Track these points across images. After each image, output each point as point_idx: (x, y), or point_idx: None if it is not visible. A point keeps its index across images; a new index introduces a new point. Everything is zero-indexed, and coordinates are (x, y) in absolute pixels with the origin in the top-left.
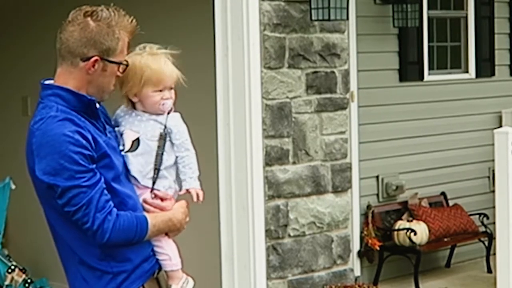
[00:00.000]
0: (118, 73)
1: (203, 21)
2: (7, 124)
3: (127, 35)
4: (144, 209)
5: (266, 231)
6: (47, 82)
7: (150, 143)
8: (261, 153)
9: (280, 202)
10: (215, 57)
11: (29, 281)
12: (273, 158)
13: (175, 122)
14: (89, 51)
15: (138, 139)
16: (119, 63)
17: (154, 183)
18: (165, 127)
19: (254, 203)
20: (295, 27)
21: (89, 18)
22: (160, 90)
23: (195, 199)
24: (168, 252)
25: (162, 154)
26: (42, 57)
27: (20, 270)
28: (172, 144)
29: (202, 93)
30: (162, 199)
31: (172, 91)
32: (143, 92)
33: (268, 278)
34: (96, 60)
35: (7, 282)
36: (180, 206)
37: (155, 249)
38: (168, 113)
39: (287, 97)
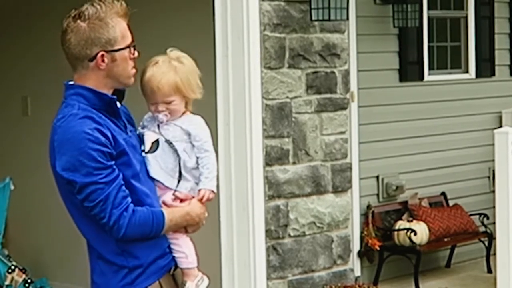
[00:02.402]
0: (131, 56)
1: (203, 21)
2: (7, 124)
3: (122, 19)
4: None
5: (266, 231)
6: (70, 83)
7: (170, 144)
8: (261, 153)
9: (280, 202)
10: (215, 57)
11: (29, 281)
12: (273, 158)
13: (194, 125)
14: (92, 50)
15: (157, 140)
16: (126, 48)
17: (177, 185)
18: (189, 132)
19: (254, 203)
20: (295, 27)
21: (78, 21)
22: (154, 103)
23: (200, 197)
24: (184, 250)
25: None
26: (42, 57)
27: (20, 270)
28: (193, 146)
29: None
30: (181, 200)
31: (172, 103)
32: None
33: (268, 278)
34: (102, 55)
35: (7, 282)
36: (198, 201)
37: (172, 246)
38: (182, 115)
39: (287, 97)
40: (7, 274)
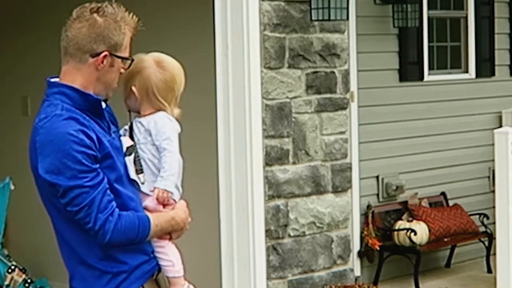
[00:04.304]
0: (122, 70)
1: (203, 21)
2: (7, 124)
3: (131, 30)
4: None
5: (266, 231)
6: (52, 80)
7: (136, 155)
8: (261, 153)
9: (280, 202)
10: (215, 57)
11: (29, 281)
12: (273, 158)
13: (154, 123)
14: (99, 46)
15: (132, 146)
16: (126, 58)
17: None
18: (150, 132)
19: (254, 203)
20: (295, 27)
21: (95, 14)
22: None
23: (153, 197)
24: (171, 258)
25: (139, 158)
26: (42, 57)
27: (20, 270)
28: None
29: (202, 93)
30: (164, 206)
31: (125, 90)
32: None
33: (268, 278)
34: (105, 56)
35: (7, 282)
36: (182, 205)
37: (158, 255)
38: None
39: (287, 97)
40: (7, 274)
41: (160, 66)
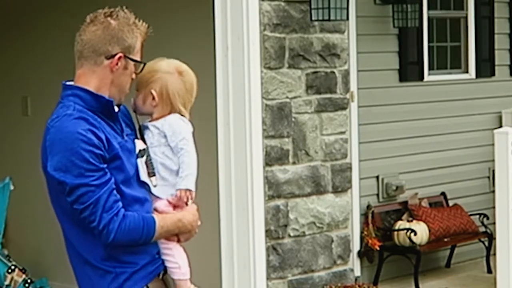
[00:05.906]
0: (133, 75)
1: (203, 21)
2: (7, 124)
3: (142, 35)
4: None
5: (266, 231)
6: (68, 83)
7: (148, 157)
8: (261, 153)
9: (280, 202)
10: (215, 57)
11: (29, 281)
12: (273, 158)
13: (168, 125)
14: (113, 48)
15: (145, 149)
16: (139, 62)
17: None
18: (165, 134)
19: (254, 203)
20: (295, 27)
21: (109, 18)
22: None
23: (184, 199)
24: (178, 261)
25: (151, 162)
26: (42, 57)
27: (20, 270)
28: (171, 147)
29: (202, 93)
30: (174, 207)
31: (141, 92)
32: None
33: (268, 278)
34: (120, 58)
35: (7, 282)
36: (191, 208)
37: (165, 257)
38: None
39: (287, 97)
40: (7, 274)
41: (182, 74)
